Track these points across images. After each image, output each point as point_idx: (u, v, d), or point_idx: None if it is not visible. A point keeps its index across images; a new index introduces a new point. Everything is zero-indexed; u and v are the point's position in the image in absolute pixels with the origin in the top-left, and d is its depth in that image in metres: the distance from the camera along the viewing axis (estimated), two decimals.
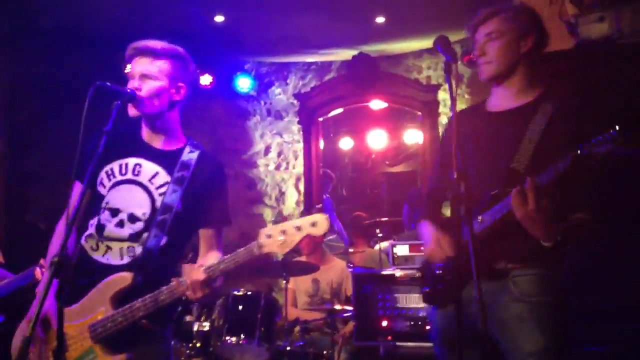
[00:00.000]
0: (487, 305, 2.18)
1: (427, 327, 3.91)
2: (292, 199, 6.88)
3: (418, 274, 2.38)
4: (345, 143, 9.20)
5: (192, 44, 6.43)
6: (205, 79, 6.42)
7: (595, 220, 2.26)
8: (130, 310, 2.22)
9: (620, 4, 3.29)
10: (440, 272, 2.39)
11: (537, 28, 2.43)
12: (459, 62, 6.24)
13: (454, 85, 2.31)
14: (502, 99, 2.46)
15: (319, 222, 2.13)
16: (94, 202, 2.41)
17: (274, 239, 2.14)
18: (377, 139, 8.35)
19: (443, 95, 6.39)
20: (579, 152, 2.09)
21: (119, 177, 2.42)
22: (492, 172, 2.33)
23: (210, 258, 2.37)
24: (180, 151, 2.47)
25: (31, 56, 5.59)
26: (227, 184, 2.56)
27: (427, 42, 6.18)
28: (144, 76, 2.39)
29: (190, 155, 2.47)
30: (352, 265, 4.85)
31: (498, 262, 2.26)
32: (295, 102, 6.94)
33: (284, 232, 2.14)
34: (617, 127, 2.05)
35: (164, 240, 2.35)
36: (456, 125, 2.34)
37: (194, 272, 2.21)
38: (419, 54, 6.61)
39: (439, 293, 2.40)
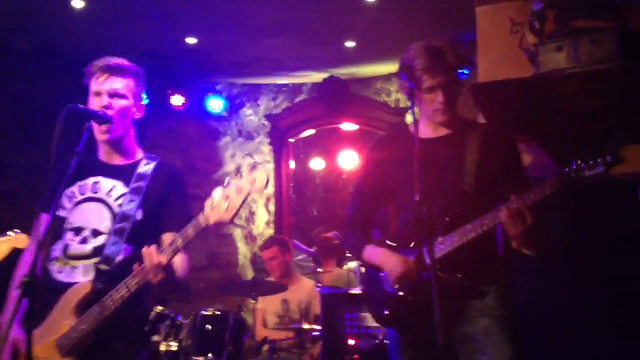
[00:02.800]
0: (453, 323, 2.29)
1: None
2: (263, 219, 6.91)
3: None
4: (317, 164, 9.28)
5: (164, 65, 6.50)
6: (177, 100, 6.44)
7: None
8: (92, 315, 2.23)
9: (578, 34, 3.41)
10: (402, 294, 2.38)
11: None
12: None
13: (417, 112, 2.42)
14: (432, 128, 2.54)
15: (259, 178, 2.11)
16: (57, 227, 2.41)
17: (219, 207, 2.12)
18: (348, 160, 8.44)
19: (411, 118, 6.47)
20: (569, 174, 2.17)
21: (79, 198, 2.45)
22: (440, 194, 2.37)
23: (176, 261, 2.36)
24: (137, 164, 2.51)
25: (5, 77, 5.56)
26: (187, 189, 2.57)
27: (395, 67, 6.21)
28: (115, 95, 2.41)
29: (146, 167, 2.50)
30: (320, 286, 4.89)
31: (463, 281, 2.32)
32: (266, 123, 7.01)
33: (227, 197, 2.13)
34: (612, 153, 2.10)
35: (124, 248, 2.36)
36: (391, 151, 2.51)
37: (153, 256, 2.20)
38: (388, 77, 6.73)
39: (402, 315, 2.39)
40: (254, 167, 2.15)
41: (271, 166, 6.93)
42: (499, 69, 3.75)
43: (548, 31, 3.54)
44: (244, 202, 2.11)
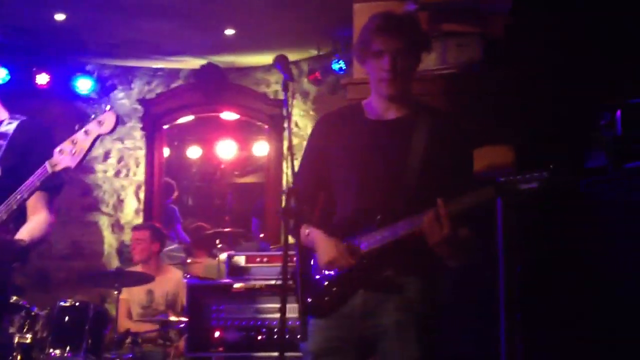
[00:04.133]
0: (373, 314, 2.26)
1: (259, 337, 3.97)
2: (131, 207, 6.68)
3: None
4: (193, 152, 9.09)
5: (28, 40, 6.12)
6: (42, 78, 6.09)
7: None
8: None
9: (446, 37, 3.55)
10: (327, 283, 2.32)
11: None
12: (306, 80, 6.45)
13: (290, 103, 2.39)
14: (382, 107, 2.40)
15: (106, 120, 2.08)
16: None
17: (65, 152, 2.09)
18: (227, 150, 8.36)
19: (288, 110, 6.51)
20: (503, 185, 2.13)
21: None
22: (381, 185, 2.29)
23: (32, 220, 2.33)
24: None
25: None
26: (54, 147, 2.46)
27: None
28: None
29: (8, 126, 2.44)
30: (188, 276, 4.80)
31: (385, 272, 2.27)
32: (139, 107, 6.76)
33: (73, 141, 2.09)
34: (551, 167, 2.08)
35: None
36: (337, 128, 2.39)
37: None
38: (267, 68, 6.71)
39: (324, 304, 2.31)
40: (105, 111, 2.11)
41: (142, 152, 6.71)
42: None
43: None
44: (92, 145, 2.09)
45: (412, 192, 2.26)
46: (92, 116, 2.14)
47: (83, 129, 2.09)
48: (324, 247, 2.31)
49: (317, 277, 2.36)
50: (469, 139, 2.45)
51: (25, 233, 2.35)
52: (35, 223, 2.39)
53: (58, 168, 2.10)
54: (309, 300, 2.34)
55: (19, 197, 2.15)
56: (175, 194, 7.54)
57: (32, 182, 2.15)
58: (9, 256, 2.31)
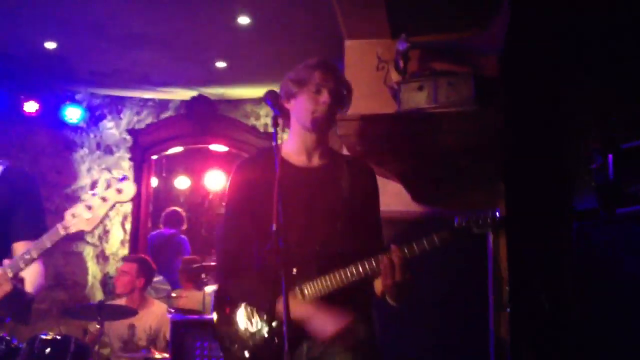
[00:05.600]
0: (317, 358, 2.23)
1: None
2: (117, 237, 6.59)
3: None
4: (182, 182, 9.04)
5: (18, 67, 6.08)
6: (31, 106, 6.05)
7: None
8: None
9: (437, 76, 3.56)
10: (268, 336, 2.26)
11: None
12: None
13: (280, 137, 2.37)
14: (305, 154, 2.42)
15: (126, 189, 2.07)
16: None
17: (80, 217, 2.06)
18: (215, 180, 8.30)
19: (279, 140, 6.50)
20: (458, 228, 2.17)
21: None
22: (310, 229, 2.29)
23: (30, 272, 2.28)
24: None
25: None
26: (39, 195, 2.47)
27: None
28: None
29: None
30: (172, 311, 4.71)
31: (327, 317, 2.24)
32: (128, 137, 6.73)
33: (89, 207, 2.06)
34: (497, 212, 2.14)
35: None
36: (256, 174, 2.37)
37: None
38: (257, 101, 6.71)
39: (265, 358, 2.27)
40: (123, 179, 2.10)
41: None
42: (364, 102, 3.82)
43: (411, 70, 3.67)
44: (107, 212, 2.08)
45: (341, 238, 2.29)
46: (106, 181, 2.12)
47: (100, 196, 2.07)
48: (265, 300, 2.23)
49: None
50: (377, 185, 2.50)
51: (28, 286, 2.32)
52: (34, 276, 2.35)
53: (71, 231, 2.09)
54: (246, 354, 2.27)
55: (27, 257, 2.12)
56: (185, 225, 7.39)
57: (42, 243, 2.12)
58: (18, 307, 2.28)
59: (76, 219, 2.07)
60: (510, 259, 3.30)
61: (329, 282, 2.25)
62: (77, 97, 6.61)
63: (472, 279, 3.41)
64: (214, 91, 6.54)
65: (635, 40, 3.48)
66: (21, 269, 2.14)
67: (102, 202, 2.06)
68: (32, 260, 2.13)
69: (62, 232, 2.09)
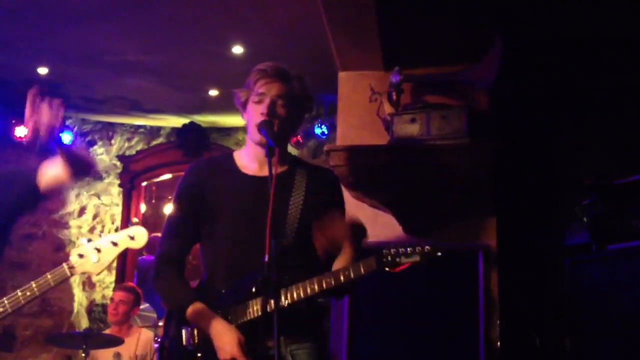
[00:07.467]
0: None
1: None
2: None
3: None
4: (171, 209, 8.98)
5: (9, 92, 6.06)
6: (21, 131, 6.00)
7: None
8: None
9: (430, 108, 3.58)
10: (200, 355, 2.18)
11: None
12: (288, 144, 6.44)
13: (274, 169, 2.33)
14: (257, 163, 2.32)
15: (138, 235, 2.03)
16: None
17: (87, 259, 2.00)
18: None
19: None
20: (384, 258, 2.12)
21: None
22: (258, 243, 2.04)
23: None
24: None
25: None
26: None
27: None
28: None
29: None
30: (158, 339, 4.63)
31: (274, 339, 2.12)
32: (118, 163, 6.70)
33: (98, 250, 2.00)
34: (430, 243, 2.12)
35: None
36: (208, 180, 2.30)
37: None
38: None
39: None
40: (135, 223, 2.05)
41: (119, 209, 6.60)
42: (356, 133, 3.85)
43: (404, 103, 3.70)
44: (116, 258, 2.02)
45: (291, 249, 2.20)
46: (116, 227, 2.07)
47: (110, 240, 2.02)
48: (225, 341, 2.12)
49: (190, 348, 2.20)
50: (342, 194, 2.44)
51: None
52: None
53: (76, 272, 2.03)
54: None
55: (28, 294, 2.03)
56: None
57: (46, 282, 2.03)
58: None
59: (83, 259, 2.01)
60: (502, 293, 3.29)
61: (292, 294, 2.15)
62: (68, 122, 6.58)
63: (464, 313, 3.41)
64: (205, 119, 6.54)
65: (624, 75, 3.53)
66: (22, 306, 2.05)
67: (113, 247, 2.02)
68: (35, 297, 2.04)
69: (68, 273, 2.02)
